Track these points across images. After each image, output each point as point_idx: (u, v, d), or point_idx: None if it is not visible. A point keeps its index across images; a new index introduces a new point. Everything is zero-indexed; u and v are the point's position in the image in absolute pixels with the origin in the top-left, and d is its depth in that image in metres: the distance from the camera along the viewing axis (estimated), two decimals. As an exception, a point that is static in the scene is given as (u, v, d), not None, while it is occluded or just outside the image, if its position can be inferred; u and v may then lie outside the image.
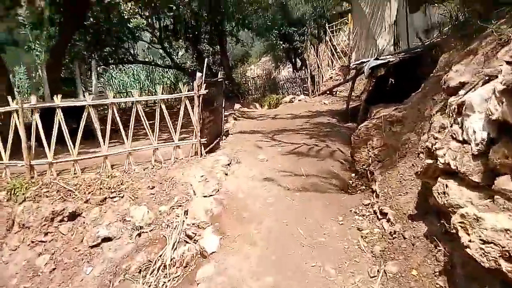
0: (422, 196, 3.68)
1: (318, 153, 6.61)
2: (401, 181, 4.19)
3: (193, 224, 4.20)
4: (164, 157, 5.71)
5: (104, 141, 5.43)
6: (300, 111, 11.90)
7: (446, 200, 2.80)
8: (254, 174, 5.36)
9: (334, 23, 18.77)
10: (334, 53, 17.50)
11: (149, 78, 28.18)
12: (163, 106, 5.56)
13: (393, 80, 10.55)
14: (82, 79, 9.55)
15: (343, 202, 4.65)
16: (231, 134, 7.81)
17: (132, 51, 16.32)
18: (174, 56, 18.61)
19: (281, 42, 20.29)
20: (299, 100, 15.73)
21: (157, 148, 5.62)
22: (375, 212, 4.12)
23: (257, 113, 12.80)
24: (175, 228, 4.31)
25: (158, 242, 4.24)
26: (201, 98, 5.61)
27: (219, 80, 7.07)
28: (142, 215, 4.49)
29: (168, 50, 17.23)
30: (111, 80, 25.55)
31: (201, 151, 5.75)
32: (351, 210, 4.38)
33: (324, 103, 13.76)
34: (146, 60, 17.78)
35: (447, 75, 3.56)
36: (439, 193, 2.92)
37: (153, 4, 14.23)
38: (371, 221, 4.02)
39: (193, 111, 5.64)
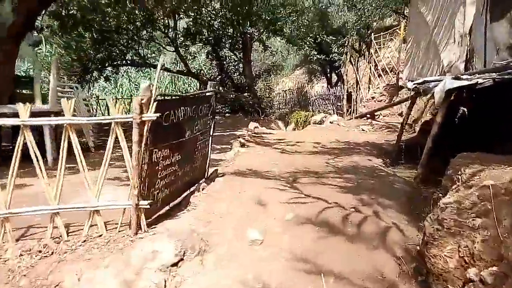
0: None
1: (358, 228, 3.82)
2: None
3: None
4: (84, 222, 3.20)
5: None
6: (331, 139, 9.10)
7: None
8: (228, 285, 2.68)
9: (381, 34, 15.87)
10: (379, 69, 14.58)
11: (173, 84, 26.29)
12: (72, 135, 3.04)
13: (466, 110, 7.56)
14: (46, 80, 7.32)
15: None
16: (221, 176, 5.15)
17: (141, 52, 14.27)
18: (190, 61, 16.46)
19: (316, 53, 17.58)
20: (330, 122, 12.90)
21: (58, 213, 3.09)
22: None
23: (275, 136, 10.12)
24: None
25: None
26: (147, 126, 3.05)
27: (203, 95, 4.49)
28: None
29: (184, 54, 15.05)
30: (118, 85, 23.76)
31: (138, 223, 3.14)
32: None
33: (363, 130, 10.85)
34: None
35: None
36: None
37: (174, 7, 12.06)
38: None
39: (130, 151, 3.08)
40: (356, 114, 13.41)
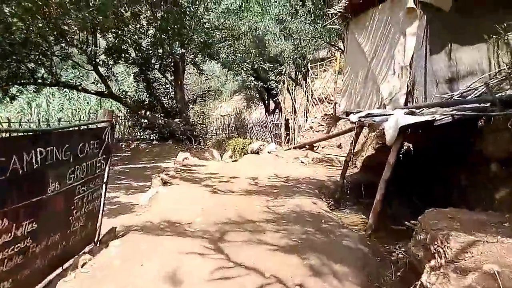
0: None
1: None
2: None
3: None
4: None
5: None
6: (270, 174, 8.15)
7: None
8: None
9: (317, 64, 15.84)
10: (316, 98, 14.35)
11: (100, 106, 23.97)
12: None
13: (411, 147, 7.14)
14: None
15: None
16: (121, 236, 3.74)
17: (54, 70, 12.24)
18: (118, 83, 14.72)
19: (253, 79, 17.01)
20: (268, 152, 12.06)
21: None
22: None
23: (207, 169, 8.87)
24: None
25: None
26: None
27: (87, 128, 3.16)
28: None
29: (106, 74, 13.32)
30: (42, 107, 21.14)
31: None
32: None
33: (302, 162, 10.15)
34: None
35: None
36: None
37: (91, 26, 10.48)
38: None
39: None
40: (294, 143, 12.82)
